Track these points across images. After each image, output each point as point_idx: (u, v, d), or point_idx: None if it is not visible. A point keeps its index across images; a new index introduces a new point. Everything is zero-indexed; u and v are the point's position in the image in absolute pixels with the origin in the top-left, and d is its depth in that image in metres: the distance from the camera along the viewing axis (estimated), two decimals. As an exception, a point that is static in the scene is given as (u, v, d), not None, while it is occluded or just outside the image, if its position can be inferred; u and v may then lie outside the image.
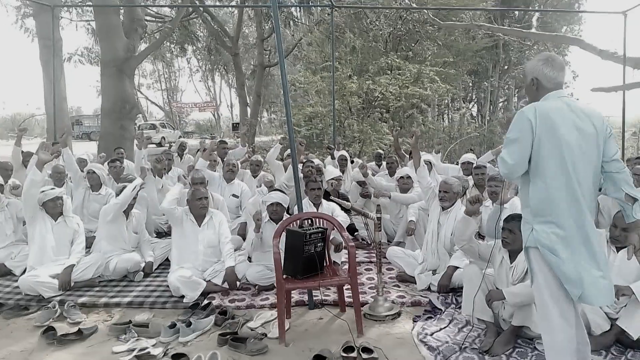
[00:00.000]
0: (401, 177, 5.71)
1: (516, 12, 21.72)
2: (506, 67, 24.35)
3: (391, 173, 6.99)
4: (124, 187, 4.88)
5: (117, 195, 4.86)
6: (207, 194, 4.59)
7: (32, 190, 4.38)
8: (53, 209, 4.51)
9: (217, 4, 20.18)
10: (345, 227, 4.48)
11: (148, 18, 17.35)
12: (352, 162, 8.39)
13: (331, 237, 4.01)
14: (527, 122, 2.27)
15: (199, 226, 4.45)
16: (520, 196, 2.51)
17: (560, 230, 2.27)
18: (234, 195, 6.11)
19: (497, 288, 3.29)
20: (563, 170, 2.26)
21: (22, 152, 6.93)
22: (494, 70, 23.53)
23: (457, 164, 7.05)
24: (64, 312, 3.83)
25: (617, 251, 3.28)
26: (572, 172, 2.26)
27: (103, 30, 11.21)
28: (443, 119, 23.21)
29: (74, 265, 4.39)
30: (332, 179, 5.82)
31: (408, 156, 7.45)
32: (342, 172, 7.23)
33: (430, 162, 6.58)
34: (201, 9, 18.72)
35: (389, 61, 14.28)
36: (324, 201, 5.02)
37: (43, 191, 4.46)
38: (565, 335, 2.32)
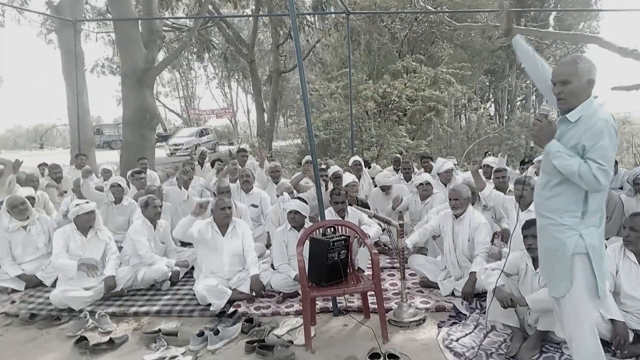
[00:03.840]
0: (421, 184, 5.70)
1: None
2: (523, 65, 24.09)
3: (407, 178, 6.98)
4: (149, 197, 4.98)
5: (142, 207, 4.95)
6: (231, 203, 4.65)
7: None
8: (86, 222, 4.58)
9: (235, 13, 20.41)
10: (371, 236, 4.51)
11: (165, 28, 17.61)
12: (369, 167, 8.38)
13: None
14: (615, 132, 2.27)
15: (223, 236, 4.52)
16: (565, 204, 2.37)
17: (601, 230, 2.37)
18: (253, 205, 6.14)
19: (520, 294, 3.29)
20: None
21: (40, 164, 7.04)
22: (511, 70, 23.30)
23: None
24: (95, 321, 3.93)
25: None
26: None
27: (123, 43, 11.44)
28: (460, 120, 23.07)
29: (114, 276, 4.53)
30: (346, 185, 5.84)
31: (420, 163, 7.47)
32: (359, 177, 7.23)
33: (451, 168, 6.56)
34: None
35: (405, 64, 14.27)
36: (349, 209, 5.00)
37: (78, 204, 4.56)
38: (597, 341, 2.39)
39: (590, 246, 2.31)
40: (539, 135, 2.37)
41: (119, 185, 6.00)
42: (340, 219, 4.81)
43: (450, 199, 4.34)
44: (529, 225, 3.30)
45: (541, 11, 20.78)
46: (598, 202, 2.34)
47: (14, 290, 4.78)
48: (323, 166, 7.28)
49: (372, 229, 4.72)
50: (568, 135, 2.33)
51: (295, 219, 4.52)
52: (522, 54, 2.75)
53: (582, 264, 2.34)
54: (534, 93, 26.43)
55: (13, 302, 4.54)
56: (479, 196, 5.12)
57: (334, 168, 6.97)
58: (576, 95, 2.33)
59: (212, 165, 8.11)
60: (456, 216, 4.34)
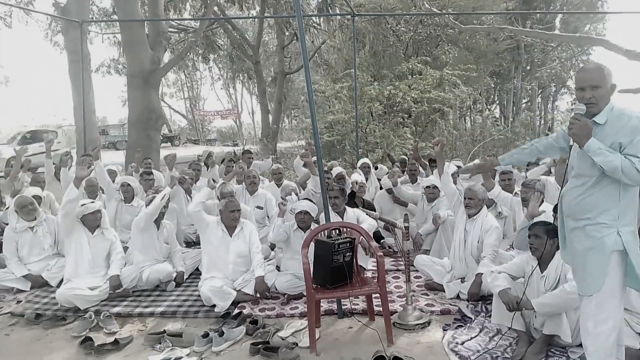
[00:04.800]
0: (427, 187, 5.68)
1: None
2: (529, 67, 24.06)
3: (413, 180, 6.95)
4: (154, 197, 5.00)
5: (147, 205, 4.98)
6: (240, 206, 4.67)
7: (69, 206, 4.46)
8: (93, 222, 4.61)
9: (240, 15, 20.46)
10: (372, 235, 4.51)
11: (171, 29, 17.67)
12: (375, 168, 8.36)
13: (360, 239, 4.03)
14: None
15: (230, 236, 4.54)
16: (602, 203, 2.41)
17: (635, 227, 2.42)
18: (258, 207, 6.14)
19: (526, 297, 3.28)
20: None
21: (54, 164, 7.14)
22: (516, 72, 23.26)
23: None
24: (100, 322, 3.94)
25: None
26: None
27: (129, 44, 11.50)
28: (465, 121, 23.03)
29: (118, 275, 4.54)
30: (355, 182, 5.87)
31: (428, 164, 7.41)
32: (366, 179, 7.21)
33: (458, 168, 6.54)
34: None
35: (410, 66, 14.25)
36: (348, 209, 5.04)
37: (83, 204, 4.57)
38: (614, 339, 2.43)
39: (626, 242, 2.37)
40: (578, 133, 2.39)
41: (129, 184, 6.01)
42: (341, 219, 4.82)
43: (464, 198, 4.35)
44: (533, 225, 3.31)
45: (547, 13, 20.73)
46: (631, 199, 2.41)
47: (19, 290, 4.80)
48: (325, 168, 7.27)
49: (365, 224, 4.70)
50: (599, 137, 2.39)
51: (305, 220, 4.51)
52: (518, 160, 3.07)
53: (618, 261, 2.40)
54: (539, 95, 26.37)
55: (19, 301, 4.55)
56: (495, 202, 5.12)
57: (337, 170, 6.95)
58: (604, 99, 2.43)
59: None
60: (469, 216, 4.33)
